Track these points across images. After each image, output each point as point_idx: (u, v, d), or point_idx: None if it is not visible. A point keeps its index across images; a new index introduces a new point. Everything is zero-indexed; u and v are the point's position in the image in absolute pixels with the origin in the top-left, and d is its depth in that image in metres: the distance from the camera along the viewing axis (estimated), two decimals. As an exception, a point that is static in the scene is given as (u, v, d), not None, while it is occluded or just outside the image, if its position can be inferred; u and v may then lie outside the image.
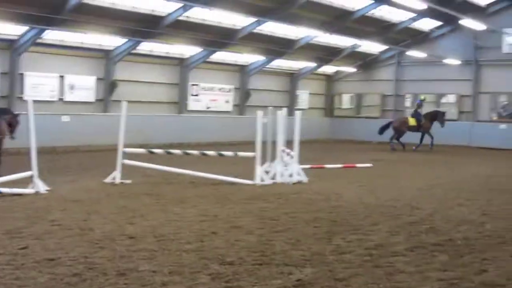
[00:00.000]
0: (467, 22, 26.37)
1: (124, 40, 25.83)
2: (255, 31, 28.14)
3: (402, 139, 28.99)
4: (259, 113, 15.23)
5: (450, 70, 34.07)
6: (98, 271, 6.92)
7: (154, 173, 15.82)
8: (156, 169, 15.52)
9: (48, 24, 22.41)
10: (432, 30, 34.42)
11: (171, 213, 10.64)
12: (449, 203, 12.63)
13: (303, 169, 16.01)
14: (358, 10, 28.98)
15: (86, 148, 23.79)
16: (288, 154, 16.24)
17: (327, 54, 34.13)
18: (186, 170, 15.30)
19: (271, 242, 8.55)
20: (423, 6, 24.50)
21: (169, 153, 16.02)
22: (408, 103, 36.05)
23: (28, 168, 12.66)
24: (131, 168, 14.99)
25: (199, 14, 25.73)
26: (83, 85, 25.65)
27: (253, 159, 15.02)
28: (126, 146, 14.78)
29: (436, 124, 29.07)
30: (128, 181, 14.41)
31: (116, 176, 14.37)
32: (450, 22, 31.67)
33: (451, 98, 34.66)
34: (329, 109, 38.74)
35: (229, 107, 32.17)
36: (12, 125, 16.35)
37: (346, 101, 38.75)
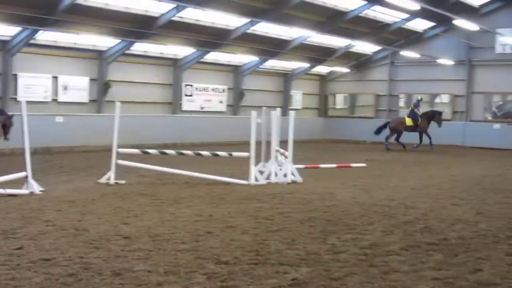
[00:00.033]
0: (461, 22, 26.44)
1: (118, 40, 25.81)
2: (248, 31, 28.15)
3: (401, 139, 29.08)
4: (253, 113, 15.24)
5: (444, 70, 34.18)
6: (93, 271, 6.91)
7: (149, 173, 15.81)
8: (150, 169, 15.51)
9: (41, 25, 22.37)
10: (425, 31, 34.51)
11: (166, 213, 10.63)
12: (444, 203, 12.65)
13: (298, 169, 16.02)
14: (352, 11, 29.02)
15: (80, 149, 23.75)
16: (282, 154, 16.25)
17: (321, 54, 34.17)
18: (180, 170, 15.30)
19: (266, 242, 8.55)
20: (416, 6, 24.55)
21: (163, 153, 16.01)
22: (402, 103, 36.16)
23: (23, 168, 12.64)
24: (125, 169, 14.98)
25: (192, 15, 25.73)
26: (77, 85, 25.62)
27: (247, 159, 15.04)
28: (120, 146, 14.75)
29: (433, 124, 29.13)
30: (123, 182, 14.40)
31: (110, 177, 14.35)
32: (443, 22, 31.76)
33: (444, 98, 34.75)
34: (323, 109, 38.79)
35: (223, 108, 32.18)
36: (6, 126, 16.34)
37: (340, 101, 38.82)
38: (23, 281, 6.47)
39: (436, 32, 34.03)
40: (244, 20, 27.03)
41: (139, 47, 27.16)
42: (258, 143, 15.59)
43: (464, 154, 27.76)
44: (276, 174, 15.43)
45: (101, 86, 26.26)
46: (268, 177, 15.35)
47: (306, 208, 11.54)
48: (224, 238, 8.74)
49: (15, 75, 23.52)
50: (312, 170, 17.73)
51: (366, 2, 28.27)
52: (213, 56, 30.27)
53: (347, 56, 35.91)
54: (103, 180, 14.40)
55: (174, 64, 29.52)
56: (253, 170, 14.97)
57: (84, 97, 25.96)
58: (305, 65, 34.99)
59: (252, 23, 27.32)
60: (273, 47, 30.91)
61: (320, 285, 6.63)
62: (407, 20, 32.05)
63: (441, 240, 8.89)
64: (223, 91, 32.12)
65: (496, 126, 32.46)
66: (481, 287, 6.72)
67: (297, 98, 36.72)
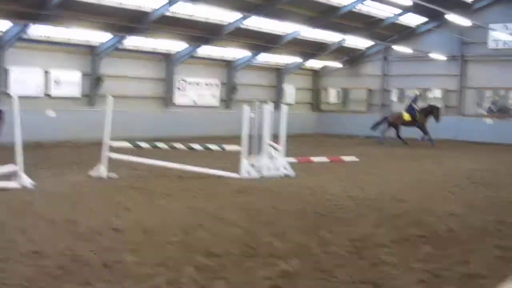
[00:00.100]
0: (453, 17, 26.42)
1: (110, 35, 25.73)
2: (241, 26, 28.12)
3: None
4: (246, 107, 15.25)
5: (436, 66, 34.22)
6: (83, 263, 6.93)
7: (140, 167, 15.78)
8: (142, 163, 15.49)
9: (33, 20, 22.30)
10: (418, 26, 34.53)
11: (157, 206, 10.65)
12: (434, 196, 12.72)
13: (290, 163, 16.04)
14: (345, 6, 29.01)
15: (72, 143, 23.69)
16: (274, 148, 16.26)
17: (314, 49, 34.16)
18: (172, 163, 15.30)
19: (256, 234, 8.58)
20: (409, 1, 24.56)
21: (155, 147, 15.99)
22: (394, 98, 36.20)
23: (14, 162, 12.61)
24: (117, 162, 14.96)
25: (185, 10, 25.68)
26: (69, 80, 25.54)
27: (239, 153, 15.05)
28: (112, 140, 14.72)
29: (431, 119, 29.22)
30: (114, 175, 14.38)
31: (101, 170, 14.33)
32: (436, 17, 31.80)
33: (437, 93, 34.80)
34: (315, 104, 38.80)
35: (215, 102, 32.15)
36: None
37: (332, 96, 38.83)
38: (12, 273, 6.49)
39: (429, 28, 34.05)
40: (237, 15, 27.00)
41: (132, 42, 27.09)
42: (251, 137, 15.59)
43: (455, 148, 27.81)
44: (268, 168, 15.44)
45: (94, 81, 26.20)
46: (260, 171, 15.37)
47: (297, 202, 11.58)
48: (214, 230, 8.77)
49: (7, 69, 23.41)
50: (305, 164, 17.74)
51: (359, -3, 28.29)
52: (206, 51, 30.23)
53: (340, 51, 35.90)
54: (94, 173, 14.38)
55: (167, 59, 29.46)
56: (245, 163, 14.98)
57: (76, 91, 25.88)
58: (298, 60, 34.98)
59: (245, 18, 27.29)
60: (266, 42, 30.89)
61: (310, 277, 6.67)
62: (400, 15, 32.06)
63: (430, 233, 8.94)
64: (216, 85, 32.09)
65: (489, 121, 32.55)
66: (469, 279, 6.77)
67: (290, 92, 36.71)
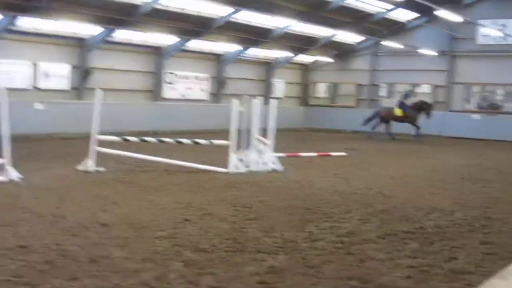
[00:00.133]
0: (443, 13, 26.50)
1: (100, 28, 25.62)
2: (231, 20, 28.06)
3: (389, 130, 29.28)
4: (235, 101, 15.24)
5: (425, 61, 34.28)
6: (70, 258, 6.91)
7: (128, 160, 15.75)
8: (130, 156, 15.46)
9: (22, 11, 22.17)
10: (408, 21, 34.55)
11: (145, 201, 10.63)
12: (421, 192, 12.76)
13: (278, 157, 16.05)
14: (335, 0, 28.99)
15: (60, 136, 23.60)
16: (263, 142, 16.27)
17: (304, 43, 34.15)
18: (160, 158, 15.28)
19: (244, 230, 8.59)
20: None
21: (143, 141, 15.97)
22: (383, 92, 36.29)
23: (1, 155, 12.55)
24: (105, 156, 14.92)
25: (175, 3, 25.60)
26: (57, 73, 25.42)
27: (227, 147, 15.05)
28: (100, 134, 14.68)
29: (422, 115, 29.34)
30: (102, 169, 14.34)
31: (89, 164, 14.29)
32: (426, 13, 31.84)
33: (426, 88, 34.89)
34: (304, 98, 38.81)
35: (204, 96, 32.11)
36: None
37: (321, 90, 38.86)
38: (-1, 268, 6.47)
39: (419, 23, 34.10)
40: (227, 8, 26.93)
41: (122, 35, 26.97)
42: (239, 132, 15.59)
43: (443, 144, 27.92)
44: (256, 163, 15.45)
45: (82, 74, 26.09)
46: (248, 166, 15.36)
47: (285, 197, 11.59)
48: (202, 225, 8.77)
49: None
50: (293, 159, 17.77)
51: (349, -8, 28.28)
52: (196, 44, 30.15)
53: (330, 46, 35.89)
54: (82, 167, 14.33)
55: (156, 52, 29.38)
56: (233, 158, 14.98)
57: (65, 84, 25.76)
58: (288, 54, 34.96)
59: (235, 12, 27.24)
60: (255, 36, 30.84)
61: (297, 273, 6.68)
62: (390, 10, 32.09)
63: (417, 229, 8.98)
64: (205, 79, 32.03)
65: (476, 116, 32.67)
66: (456, 275, 6.80)
67: (279, 87, 36.70)
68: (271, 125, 15.93)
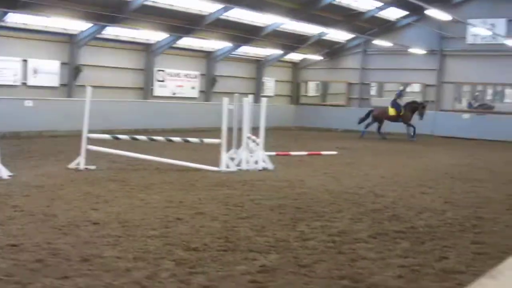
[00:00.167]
0: (433, 12, 26.55)
1: (89, 24, 25.53)
2: (221, 17, 28.03)
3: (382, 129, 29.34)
4: (225, 99, 15.23)
5: (415, 60, 34.37)
6: (61, 257, 6.89)
7: (119, 159, 15.73)
8: (121, 155, 15.42)
9: (11, 7, 22.06)
10: (398, 20, 34.63)
11: (136, 199, 10.61)
12: (412, 191, 12.79)
13: (269, 156, 16.06)
14: (325, -2, 29.05)
15: (50, 134, 23.52)
16: (253, 141, 16.27)
17: (294, 41, 34.16)
18: (151, 156, 15.25)
19: (235, 229, 8.59)
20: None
21: (134, 139, 15.93)
22: (373, 91, 36.36)
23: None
24: (95, 154, 14.89)
25: None
26: (47, 69, 25.31)
27: (218, 145, 15.04)
28: (90, 131, 14.64)
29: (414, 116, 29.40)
30: (93, 167, 14.31)
31: (80, 162, 14.24)
32: (416, 12, 31.93)
33: (416, 87, 34.98)
34: (295, 97, 38.82)
35: (195, 93, 32.07)
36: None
37: (312, 88, 38.89)
38: (-10, 267, 6.43)
39: (409, 22, 34.17)
40: (218, 5, 26.89)
41: (111, 31, 26.91)
42: (230, 130, 15.58)
43: (434, 143, 28.01)
44: (247, 161, 15.45)
45: (72, 70, 25.99)
46: (239, 164, 15.36)
47: (276, 195, 11.59)
48: (193, 224, 8.76)
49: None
50: (283, 157, 17.79)
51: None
52: (186, 41, 30.11)
53: (320, 44, 35.92)
54: (72, 165, 14.28)
55: (146, 49, 29.32)
56: (224, 156, 14.97)
57: (54, 81, 25.66)
58: (278, 52, 34.97)
59: (225, 9, 27.20)
60: (246, 34, 30.83)
61: (289, 272, 6.68)
62: (380, 9, 32.12)
63: (408, 228, 9.00)
64: (195, 77, 32.00)
65: (466, 116, 32.78)
66: (447, 275, 6.81)
67: (270, 85, 36.71)
68: (262, 124, 15.91)
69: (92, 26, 25.57)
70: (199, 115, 30.13)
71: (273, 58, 35.67)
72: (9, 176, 12.43)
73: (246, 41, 31.58)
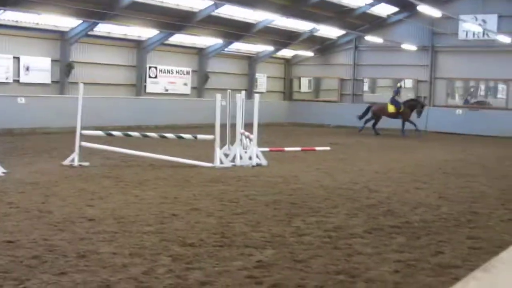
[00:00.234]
0: (424, 8, 26.61)
1: (80, 21, 25.46)
2: (213, 14, 28.00)
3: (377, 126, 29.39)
4: (218, 96, 15.22)
5: (407, 56, 34.45)
6: (58, 253, 6.88)
7: (113, 155, 15.70)
8: (115, 151, 15.40)
9: (2, 5, 21.97)
10: (389, 16, 34.66)
11: (131, 196, 10.60)
12: (407, 186, 12.82)
13: (262, 152, 16.06)
14: (317, -5, 29.06)
15: (43, 130, 23.47)
16: (247, 137, 16.27)
17: (286, 38, 34.16)
18: (145, 152, 15.23)
19: (231, 224, 8.59)
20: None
21: (127, 135, 15.91)
22: (366, 87, 36.42)
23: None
24: (89, 151, 14.86)
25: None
26: (39, 66, 25.24)
27: (212, 142, 15.03)
28: (83, 128, 14.61)
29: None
30: (86, 164, 14.28)
31: (74, 159, 14.21)
32: (407, 8, 31.97)
33: (408, 83, 35.06)
34: (287, 93, 38.84)
35: (187, 90, 32.04)
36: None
37: (304, 84, 38.91)
38: (-14, 263, 6.42)
39: (400, 18, 34.23)
40: (209, 2, 26.89)
41: (102, 28, 26.86)
42: (223, 126, 15.58)
43: (427, 139, 28.07)
44: (241, 157, 15.45)
45: (64, 68, 25.92)
46: (233, 160, 15.37)
47: (271, 191, 11.60)
48: (189, 220, 8.76)
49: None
50: (277, 153, 17.79)
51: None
52: (178, 38, 30.08)
53: (312, 40, 35.93)
54: (66, 162, 14.26)
55: (138, 46, 29.28)
56: (218, 152, 14.97)
57: (46, 78, 25.60)
58: (270, 48, 34.96)
59: (216, 6, 27.17)
60: (237, 30, 30.82)
61: (285, 267, 6.68)
62: (372, 5, 32.18)
63: (403, 223, 9.02)
64: (188, 73, 31.96)
65: (458, 111, 32.87)
66: (443, 270, 6.83)
67: (262, 81, 36.72)
68: (255, 120, 15.91)
69: (83, 23, 25.51)
70: (192, 112, 30.10)
71: (265, 55, 35.67)
72: (3, 173, 12.41)
73: (237, 37, 31.57)
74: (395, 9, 33.72)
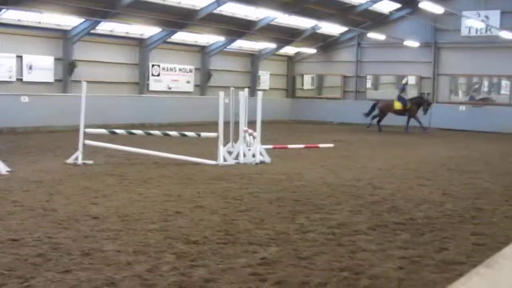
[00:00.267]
0: (426, 4, 26.59)
1: (83, 20, 25.48)
2: (215, 11, 27.99)
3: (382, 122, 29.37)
4: (221, 93, 15.23)
5: (410, 52, 34.41)
6: (62, 251, 6.89)
7: (117, 153, 15.72)
8: (118, 149, 15.41)
9: (4, 4, 21.99)
10: (391, 13, 34.62)
11: (135, 193, 10.61)
12: (410, 183, 12.80)
13: (266, 149, 16.06)
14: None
15: (46, 129, 23.50)
16: (250, 134, 16.28)
17: (288, 35, 34.14)
18: (149, 150, 15.25)
19: (235, 222, 8.60)
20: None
21: (131, 133, 15.92)
22: (369, 84, 36.38)
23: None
24: (93, 149, 14.88)
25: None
26: (41, 65, 25.26)
27: (215, 139, 15.04)
28: (86, 126, 14.62)
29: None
30: (90, 162, 14.30)
31: (78, 157, 14.23)
32: (409, 4, 31.95)
33: (411, 80, 35.01)
34: (290, 90, 38.82)
35: (190, 88, 32.04)
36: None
37: (307, 82, 38.89)
38: (-9, 262, 6.43)
39: (402, 14, 34.16)
40: (211, 0, 26.89)
41: (105, 27, 26.87)
42: (226, 124, 15.58)
43: (430, 135, 28.04)
44: (244, 155, 15.46)
45: (66, 66, 25.94)
46: (236, 158, 15.38)
47: (275, 188, 11.60)
48: (193, 218, 8.77)
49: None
50: (280, 150, 17.80)
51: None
52: (180, 36, 30.08)
53: (314, 37, 35.89)
54: (70, 160, 14.28)
55: (141, 44, 29.28)
56: (222, 150, 14.98)
57: (49, 77, 25.62)
58: (272, 45, 34.93)
59: (218, 3, 27.17)
60: (239, 28, 30.80)
61: (289, 264, 6.69)
62: (374, 2, 32.14)
63: (407, 220, 9.01)
64: (190, 71, 31.97)
65: (462, 108, 32.83)
66: (447, 266, 6.83)
67: (265, 78, 36.70)
68: (258, 117, 15.91)
69: (86, 21, 25.52)
70: (195, 109, 30.12)
71: (268, 52, 35.66)
72: (8, 171, 12.43)
73: (240, 35, 31.55)
74: (397, 5, 33.68)
